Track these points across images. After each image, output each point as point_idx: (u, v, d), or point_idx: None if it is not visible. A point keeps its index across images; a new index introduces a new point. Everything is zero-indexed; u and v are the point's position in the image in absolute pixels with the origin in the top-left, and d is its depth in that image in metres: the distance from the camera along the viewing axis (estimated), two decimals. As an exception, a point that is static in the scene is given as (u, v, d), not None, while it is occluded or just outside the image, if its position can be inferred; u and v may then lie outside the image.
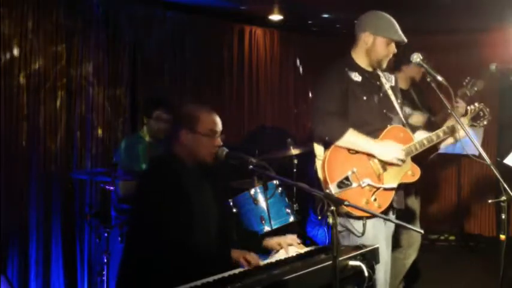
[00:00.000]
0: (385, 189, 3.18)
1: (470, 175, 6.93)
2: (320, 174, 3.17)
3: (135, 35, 5.21)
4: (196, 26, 5.83)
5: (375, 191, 3.14)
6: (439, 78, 3.17)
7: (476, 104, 3.47)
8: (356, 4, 5.17)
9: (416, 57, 3.24)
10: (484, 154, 3.05)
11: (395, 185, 3.22)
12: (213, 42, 6.03)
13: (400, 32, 3.28)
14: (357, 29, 3.34)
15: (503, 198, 2.93)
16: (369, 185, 3.11)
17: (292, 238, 3.03)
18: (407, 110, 4.20)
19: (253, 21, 6.39)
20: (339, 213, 3.14)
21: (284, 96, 6.91)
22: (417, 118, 4.33)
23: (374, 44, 3.27)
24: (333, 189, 3.05)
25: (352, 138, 3.12)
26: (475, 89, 4.34)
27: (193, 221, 2.72)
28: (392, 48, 3.31)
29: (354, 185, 3.08)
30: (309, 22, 6.50)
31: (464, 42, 6.61)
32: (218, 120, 2.87)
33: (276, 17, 6.09)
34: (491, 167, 3.00)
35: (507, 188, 2.91)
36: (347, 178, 3.08)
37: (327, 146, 3.21)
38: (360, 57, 3.32)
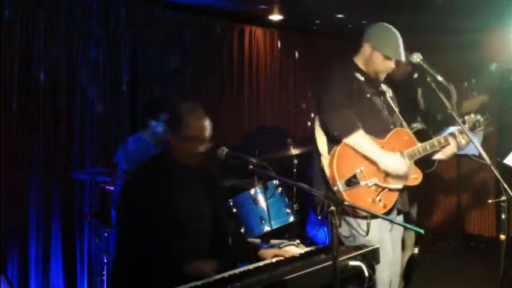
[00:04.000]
0: (390, 189, 3.20)
1: (470, 175, 6.92)
2: (327, 172, 3.18)
3: (135, 35, 5.21)
4: (196, 26, 5.83)
5: (381, 191, 3.17)
6: (439, 78, 3.18)
7: (472, 116, 3.50)
8: (356, 4, 5.18)
9: (417, 57, 3.25)
10: (484, 154, 3.06)
11: (400, 186, 3.25)
12: (213, 42, 6.03)
13: (401, 50, 3.27)
14: (363, 37, 3.36)
15: (503, 198, 2.94)
16: (375, 184, 3.14)
17: (293, 253, 2.98)
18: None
19: (253, 21, 6.39)
20: (345, 212, 3.16)
21: (284, 96, 6.91)
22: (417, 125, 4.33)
23: (371, 57, 3.30)
24: (341, 186, 3.07)
25: (359, 139, 3.13)
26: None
27: (179, 222, 2.71)
28: (391, 64, 3.30)
29: (362, 183, 3.10)
30: (309, 22, 6.50)
31: (464, 42, 6.60)
32: (206, 126, 2.78)
33: (276, 17, 6.09)
34: (491, 167, 3.00)
35: (507, 188, 2.92)
36: (355, 176, 3.10)
37: (330, 141, 3.22)
38: (361, 63, 3.36)
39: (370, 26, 3.37)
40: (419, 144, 3.33)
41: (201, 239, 2.79)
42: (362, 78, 3.29)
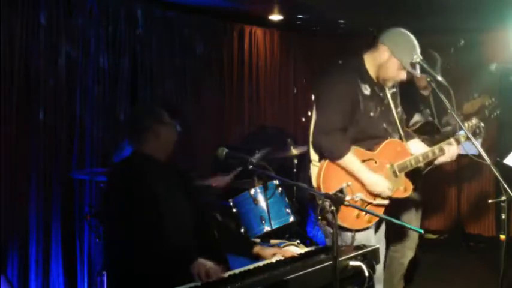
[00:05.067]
0: (377, 204, 3.20)
1: (470, 175, 6.92)
2: (314, 182, 3.17)
3: (135, 35, 5.21)
4: (196, 26, 5.83)
5: (366, 206, 3.17)
6: (439, 78, 3.17)
7: (473, 121, 3.48)
8: (356, 4, 5.18)
9: (417, 57, 3.22)
10: (484, 154, 3.05)
11: (386, 202, 3.24)
12: (213, 42, 6.03)
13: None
14: (379, 37, 3.22)
15: (503, 198, 2.93)
16: (361, 199, 3.13)
17: (291, 252, 2.98)
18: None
19: (253, 21, 6.39)
20: (329, 224, 3.15)
21: (284, 96, 6.91)
22: (418, 118, 4.33)
23: (387, 62, 3.17)
24: None
25: (349, 162, 3.11)
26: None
27: (162, 220, 2.71)
28: (403, 75, 3.21)
29: (347, 198, 3.08)
30: (309, 22, 6.50)
31: (465, 42, 6.60)
32: (174, 133, 3.00)
33: (276, 17, 6.09)
34: (491, 167, 3.00)
35: (507, 188, 2.91)
36: (341, 190, 3.07)
37: (322, 155, 3.20)
38: (370, 65, 3.24)
39: (392, 29, 3.21)
40: (412, 156, 3.30)
41: (182, 234, 2.80)
42: (368, 92, 3.18)
